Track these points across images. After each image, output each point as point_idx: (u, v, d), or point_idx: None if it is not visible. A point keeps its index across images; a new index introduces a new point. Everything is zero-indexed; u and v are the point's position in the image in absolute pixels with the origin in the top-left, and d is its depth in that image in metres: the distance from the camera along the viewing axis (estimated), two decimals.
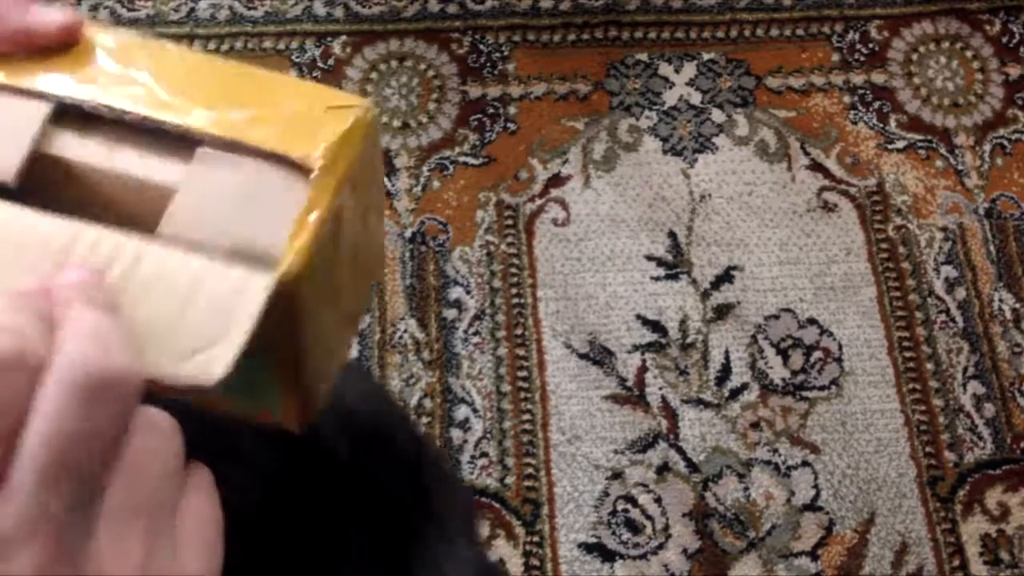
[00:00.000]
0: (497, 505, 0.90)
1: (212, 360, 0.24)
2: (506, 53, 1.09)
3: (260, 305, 0.25)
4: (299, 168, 0.27)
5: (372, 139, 0.29)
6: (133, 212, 0.28)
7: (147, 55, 0.30)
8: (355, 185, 0.29)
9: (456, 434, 0.92)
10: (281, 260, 0.26)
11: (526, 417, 0.93)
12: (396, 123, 1.05)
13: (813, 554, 0.89)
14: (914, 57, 1.11)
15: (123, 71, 0.29)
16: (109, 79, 0.29)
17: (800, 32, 1.12)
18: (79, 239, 0.26)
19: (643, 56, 1.09)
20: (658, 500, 0.91)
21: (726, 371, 0.95)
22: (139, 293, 0.25)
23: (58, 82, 0.29)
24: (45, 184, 0.28)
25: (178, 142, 0.28)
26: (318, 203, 0.27)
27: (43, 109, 0.29)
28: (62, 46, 0.29)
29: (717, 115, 1.07)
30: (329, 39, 1.09)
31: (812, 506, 0.91)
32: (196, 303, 0.25)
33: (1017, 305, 0.99)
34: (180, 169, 0.28)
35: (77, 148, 0.29)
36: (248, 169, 0.28)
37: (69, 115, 0.29)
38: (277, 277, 0.25)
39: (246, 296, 0.25)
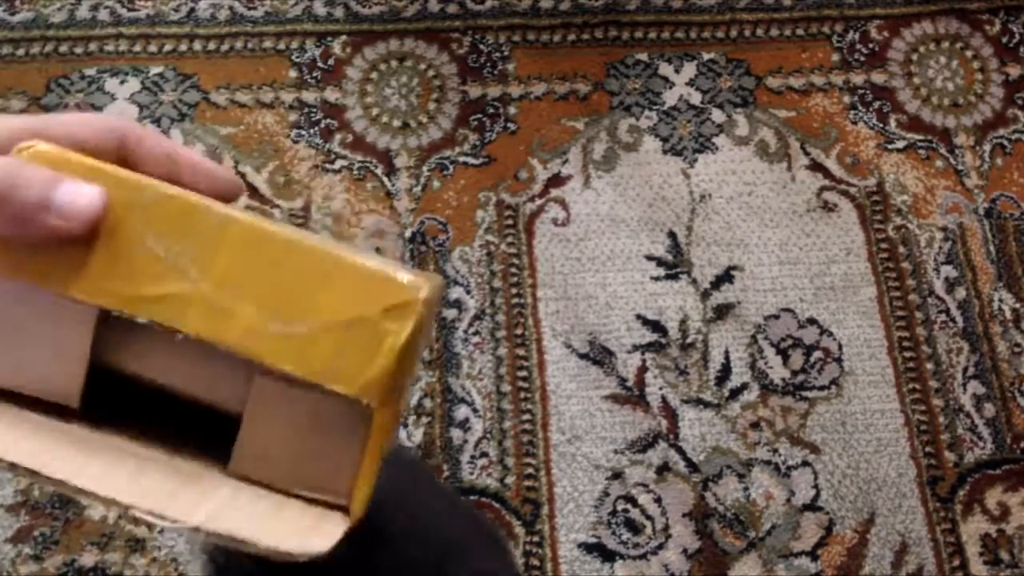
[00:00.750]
0: (497, 505, 0.90)
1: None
2: (506, 53, 1.09)
3: (331, 548, 0.26)
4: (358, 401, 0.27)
5: (431, 319, 0.29)
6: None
7: (196, 233, 0.27)
8: (411, 374, 0.29)
9: (456, 434, 0.92)
10: (349, 506, 0.27)
11: (526, 417, 0.93)
12: (396, 123, 1.05)
13: (813, 554, 0.89)
14: (914, 57, 1.11)
15: (169, 260, 0.27)
16: (152, 275, 0.27)
17: (800, 32, 1.12)
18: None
19: (643, 56, 1.09)
20: (658, 500, 0.91)
21: (726, 371, 0.95)
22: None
23: (100, 286, 0.27)
24: (105, 393, 0.28)
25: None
26: (379, 433, 0.27)
27: (89, 314, 0.27)
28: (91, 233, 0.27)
29: (717, 115, 1.07)
30: (329, 39, 1.09)
31: (812, 506, 0.91)
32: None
33: (1017, 305, 0.99)
34: (239, 394, 0.28)
35: (132, 361, 0.28)
36: (306, 404, 0.27)
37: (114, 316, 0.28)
38: (347, 526, 0.27)
39: (318, 538, 0.26)
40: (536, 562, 0.88)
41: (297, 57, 1.08)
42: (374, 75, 1.07)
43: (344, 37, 1.09)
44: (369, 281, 0.27)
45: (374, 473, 0.27)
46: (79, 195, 0.27)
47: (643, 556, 0.89)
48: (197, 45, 1.07)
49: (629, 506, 0.90)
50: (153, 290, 0.27)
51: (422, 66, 1.08)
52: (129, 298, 0.27)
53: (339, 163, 1.02)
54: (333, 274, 0.27)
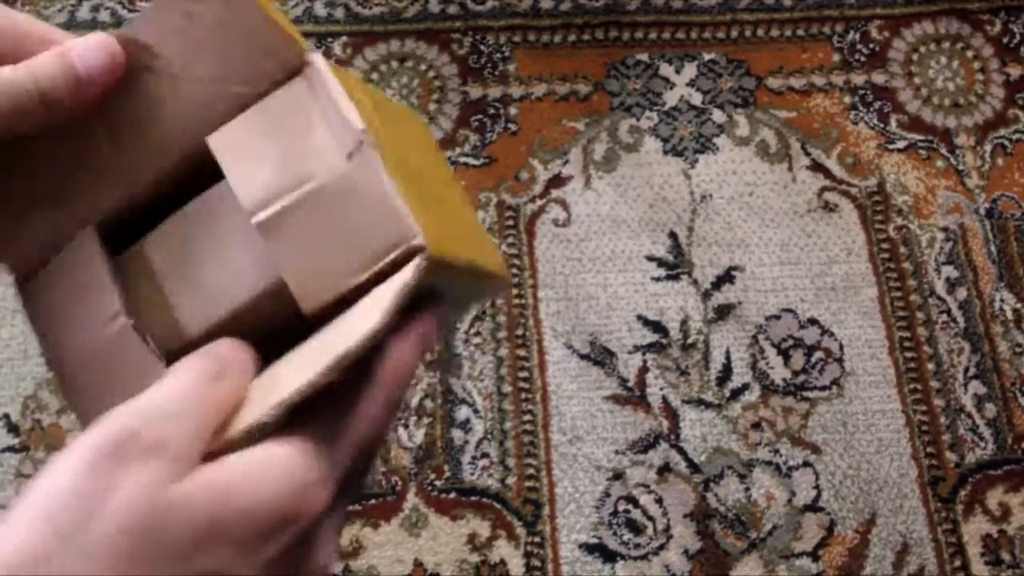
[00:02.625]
0: (498, 506, 0.90)
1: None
2: (507, 53, 1.09)
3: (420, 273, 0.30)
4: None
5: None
6: None
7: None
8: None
9: (457, 435, 0.92)
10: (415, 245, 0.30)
11: (527, 418, 0.93)
12: None
13: (814, 554, 0.89)
14: (914, 57, 1.11)
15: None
16: None
17: (800, 32, 1.12)
18: None
19: (643, 56, 1.09)
20: (659, 501, 0.91)
21: (727, 371, 0.95)
22: None
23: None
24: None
25: None
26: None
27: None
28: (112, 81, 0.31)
29: (718, 115, 1.07)
30: (329, 39, 1.09)
31: (813, 506, 0.91)
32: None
33: (1018, 305, 0.99)
34: None
35: None
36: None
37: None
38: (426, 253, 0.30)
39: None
40: (537, 563, 0.88)
41: None
42: (374, 76, 1.07)
43: (344, 38, 1.09)
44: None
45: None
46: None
47: (644, 557, 0.89)
48: None
49: (630, 507, 0.90)
50: None
51: (422, 67, 1.08)
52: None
53: None
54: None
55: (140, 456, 0.26)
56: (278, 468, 0.27)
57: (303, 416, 0.29)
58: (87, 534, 0.24)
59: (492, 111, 1.06)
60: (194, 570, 0.26)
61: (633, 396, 0.94)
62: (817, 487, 0.92)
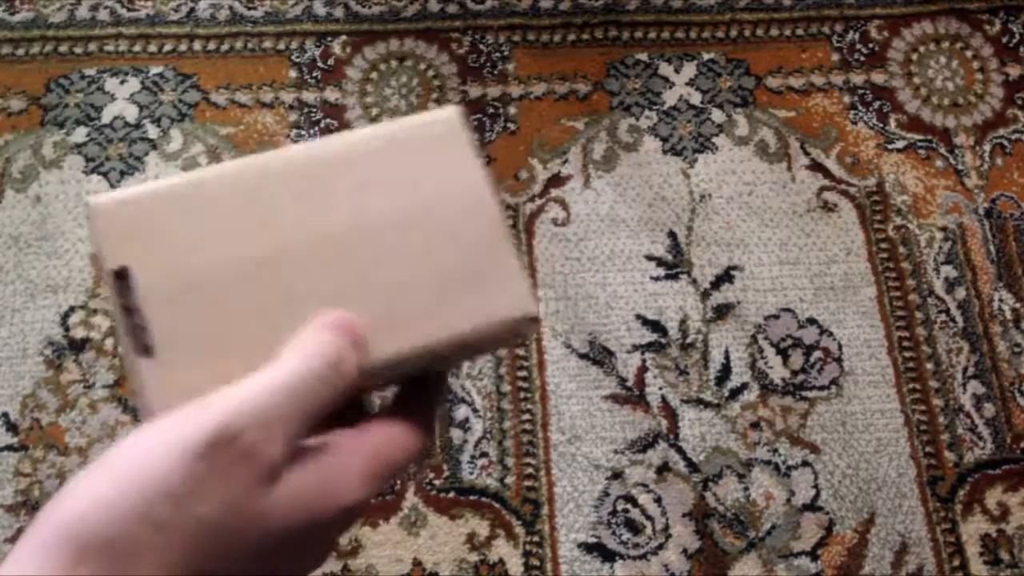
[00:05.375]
0: (497, 505, 0.90)
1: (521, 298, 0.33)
2: (506, 53, 1.09)
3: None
4: None
5: None
6: None
7: None
8: None
9: (456, 434, 0.92)
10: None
11: (526, 417, 0.93)
12: None
13: (813, 554, 0.89)
14: (914, 57, 1.11)
15: None
16: None
17: (800, 32, 1.12)
18: None
19: (643, 56, 1.09)
20: (658, 500, 0.91)
21: (726, 371, 0.95)
22: None
23: None
24: None
25: None
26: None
27: None
28: None
29: (717, 115, 1.07)
30: (329, 39, 1.09)
31: (812, 506, 0.91)
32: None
33: (1017, 305, 0.99)
34: None
35: None
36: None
37: None
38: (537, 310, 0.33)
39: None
40: (536, 562, 0.88)
41: (297, 57, 1.08)
42: (374, 75, 1.07)
43: (344, 37, 1.09)
44: None
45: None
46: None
47: (643, 556, 0.89)
48: (197, 45, 1.07)
49: (629, 506, 0.90)
50: None
51: (422, 66, 1.08)
52: None
53: None
54: None
55: (233, 462, 0.26)
56: (347, 485, 0.29)
57: (373, 430, 0.31)
58: (178, 530, 0.26)
59: (491, 110, 1.06)
60: (254, 570, 0.28)
61: (632, 395, 0.94)
62: (816, 486, 0.92)
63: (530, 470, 0.91)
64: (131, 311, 0.30)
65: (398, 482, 0.90)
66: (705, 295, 0.98)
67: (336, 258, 0.31)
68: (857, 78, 1.09)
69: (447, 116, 0.34)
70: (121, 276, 0.30)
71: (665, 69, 1.09)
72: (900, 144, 1.06)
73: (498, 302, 0.32)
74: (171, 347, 0.30)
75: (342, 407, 0.31)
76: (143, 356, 0.30)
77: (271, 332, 0.30)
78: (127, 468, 0.26)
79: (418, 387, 0.34)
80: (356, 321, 0.31)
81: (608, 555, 0.88)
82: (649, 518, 0.90)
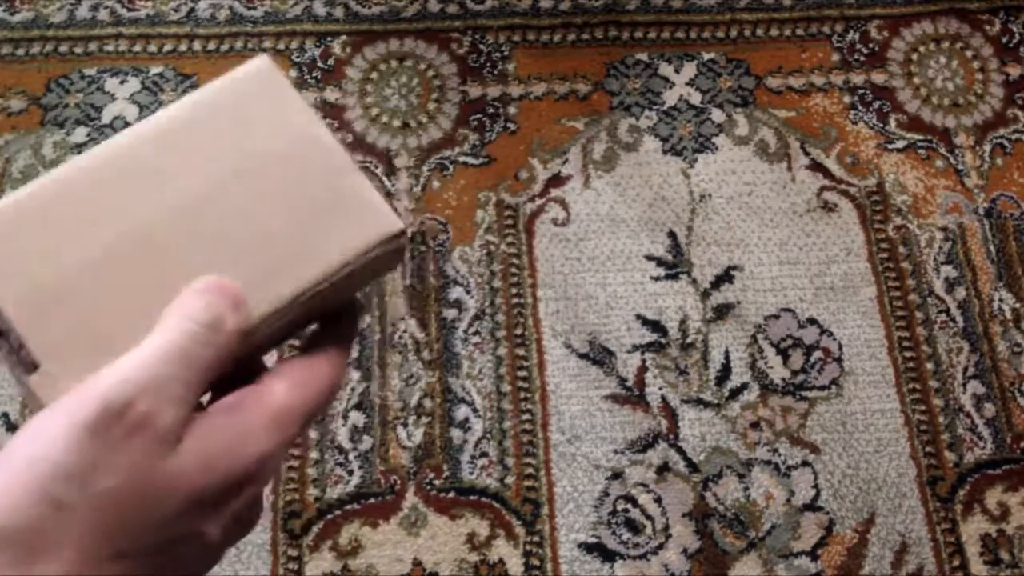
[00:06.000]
0: (497, 505, 0.90)
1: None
2: (506, 53, 1.09)
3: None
4: None
5: None
6: None
7: None
8: None
9: (456, 434, 0.92)
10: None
11: (526, 417, 0.93)
12: (396, 123, 1.05)
13: (813, 554, 0.89)
14: (914, 57, 1.11)
15: None
16: None
17: (800, 32, 1.12)
18: None
19: (643, 56, 1.09)
20: (658, 500, 0.91)
21: (726, 371, 0.95)
22: None
23: None
24: None
25: None
26: None
27: None
28: None
29: (717, 115, 1.07)
30: (329, 39, 1.09)
31: (812, 506, 0.91)
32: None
33: (1017, 305, 0.99)
34: None
35: None
36: None
37: None
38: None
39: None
40: (536, 562, 0.88)
41: (297, 57, 1.08)
42: (374, 75, 1.07)
43: (344, 37, 1.09)
44: None
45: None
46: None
47: (643, 556, 0.89)
48: (197, 45, 1.07)
49: (629, 506, 0.90)
50: None
51: (422, 66, 1.08)
52: None
53: None
54: None
55: (128, 432, 0.27)
56: (254, 438, 0.29)
57: (269, 383, 0.31)
58: (84, 508, 0.26)
59: (491, 110, 1.06)
60: (173, 534, 0.28)
61: (632, 395, 0.94)
62: (816, 486, 0.92)
63: (530, 470, 0.91)
64: (4, 333, 0.30)
65: (397, 481, 0.90)
66: (705, 295, 0.98)
67: (193, 227, 0.31)
68: (857, 78, 1.09)
69: (258, 65, 0.34)
70: None
71: (665, 69, 1.09)
72: (900, 144, 1.06)
73: (359, 227, 0.32)
74: (54, 357, 0.30)
75: (243, 369, 0.32)
76: (30, 374, 0.30)
77: (148, 315, 0.30)
78: (19, 456, 0.26)
79: (331, 321, 0.35)
80: (227, 282, 0.31)
81: (608, 555, 0.88)
82: (649, 518, 0.90)
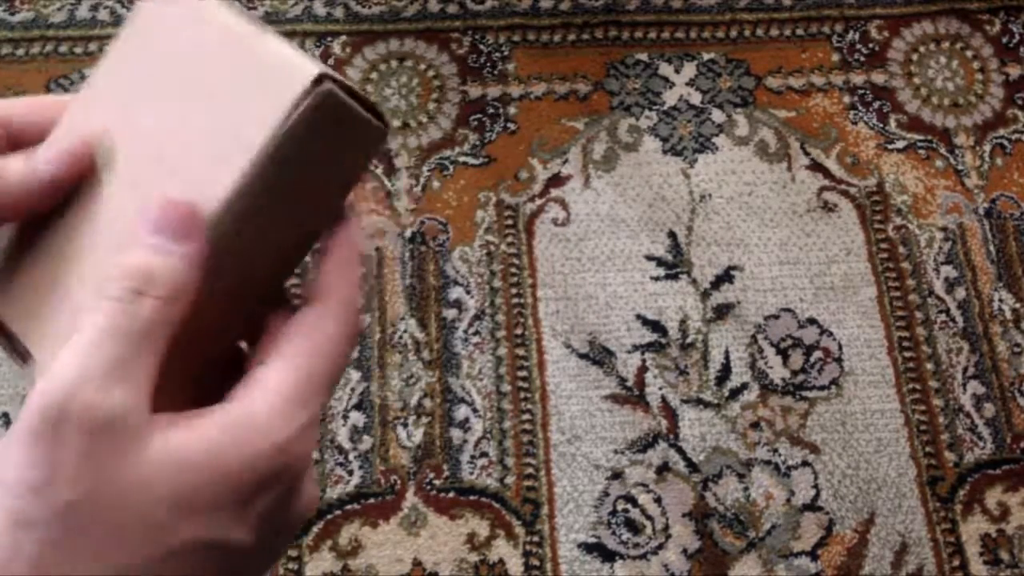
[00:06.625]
0: (497, 505, 0.90)
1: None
2: (506, 53, 1.09)
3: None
4: None
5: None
6: None
7: None
8: None
9: (456, 434, 0.92)
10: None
11: (526, 417, 0.93)
12: (396, 123, 1.05)
13: (813, 554, 0.89)
14: (914, 57, 1.11)
15: None
16: None
17: (800, 32, 1.12)
18: None
19: (643, 56, 1.09)
20: (658, 500, 0.91)
21: (726, 371, 0.95)
22: None
23: None
24: None
25: None
26: None
27: None
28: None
29: (717, 115, 1.07)
30: (329, 39, 1.09)
31: (812, 506, 0.91)
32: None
33: (1017, 305, 0.99)
34: None
35: None
36: None
37: None
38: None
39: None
40: (536, 562, 0.88)
41: None
42: (374, 75, 1.07)
43: (344, 37, 1.09)
44: None
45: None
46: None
47: (643, 556, 0.89)
48: None
49: (629, 506, 0.90)
50: None
51: (422, 66, 1.08)
52: None
53: None
54: None
55: (78, 434, 0.24)
56: (265, 426, 0.26)
57: (272, 360, 0.28)
58: (54, 522, 0.23)
59: (491, 110, 1.06)
60: (179, 540, 0.25)
61: (632, 395, 0.94)
62: (816, 486, 0.92)
63: (530, 470, 0.91)
64: (4, 327, 0.30)
65: (397, 481, 0.90)
66: (705, 295, 0.98)
67: (125, 168, 0.30)
68: (857, 78, 1.09)
69: None
70: None
71: (665, 69, 1.09)
72: (900, 144, 1.06)
73: (275, 91, 0.28)
74: (44, 347, 0.29)
75: (274, 305, 0.29)
76: (26, 363, 0.29)
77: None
78: None
79: (321, 266, 0.30)
80: (168, 206, 0.27)
81: (608, 555, 0.88)
82: (649, 518, 0.90)
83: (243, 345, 0.32)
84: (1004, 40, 1.12)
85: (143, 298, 0.26)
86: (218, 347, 0.31)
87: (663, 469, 0.92)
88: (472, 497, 0.90)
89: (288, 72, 0.28)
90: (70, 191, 0.30)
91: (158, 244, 0.27)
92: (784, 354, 0.96)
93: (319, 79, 0.27)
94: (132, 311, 0.26)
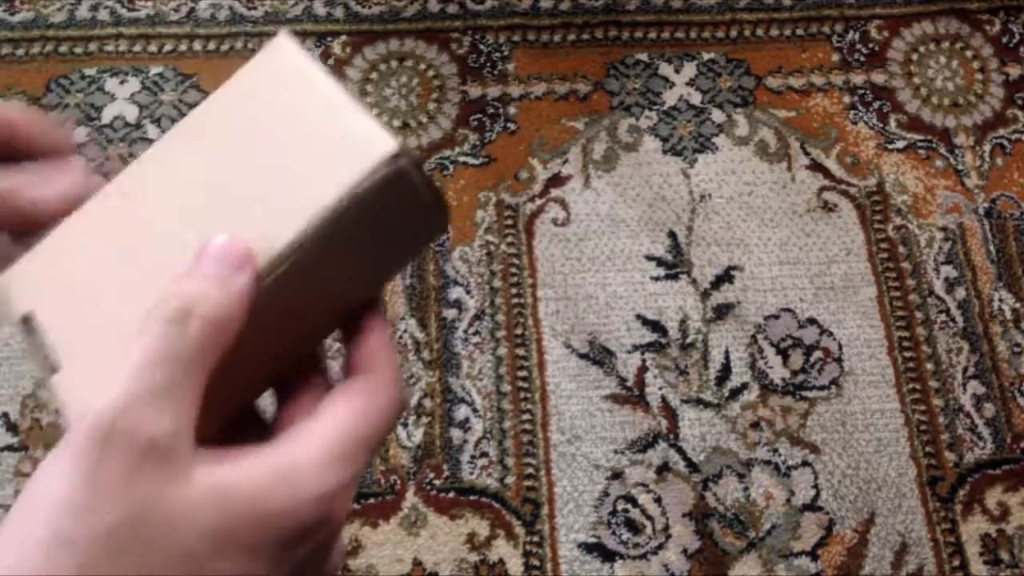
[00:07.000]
0: (497, 505, 0.90)
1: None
2: (506, 53, 1.09)
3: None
4: None
5: None
6: None
7: None
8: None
9: (456, 434, 0.92)
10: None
11: (526, 417, 0.93)
12: (396, 123, 1.05)
13: (813, 554, 0.89)
14: (914, 57, 1.11)
15: None
16: None
17: (800, 32, 1.12)
18: None
19: (643, 56, 1.09)
20: (658, 500, 0.91)
21: (726, 371, 0.95)
22: None
23: None
24: None
25: None
26: None
27: None
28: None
29: (717, 115, 1.07)
30: (329, 39, 1.09)
31: (812, 506, 0.91)
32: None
33: (1017, 305, 0.99)
34: None
35: None
36: None
37: None
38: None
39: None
40: (536, 562, 0.88)
41: None
42: (374, 75, 1.07)
43: (344, 37, 1.09)
44: None
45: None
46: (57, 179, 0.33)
47: (643, 556, 0.89)
48: (197, 45, 1.07)
49: (629, 506, 0.90)
50: None
51: (422, 66, 1.08)
52: None
53: None
54: None
55: (123, 458, 0.24)
56: (309, 477, 0.26)
57: (321, 417, 0.28)
58: (83, 544, 0.24)
59: (491, 110, 1.06)
60: (212, 572, 0.25)
61: (632, 395, 0.94)
62: (816, 486, 0.92)
63: (530, 470, 0.91)
64: (34, 334, 0.30)
65: (397, 481, 0.90)
66: (705, 295, 0.98)
67: (194, 204, 0.30)
68: (857, 78, 1.09)
69: (268, 45, 0.33)
70: (26, 321, 0.30)
71: (665, 69, 1.09)
72: (900, 144, 1.06)
73: (352, 158, 0.29)
74: (71, 359, 0.29)
75: (303, 373, 0.29)
76: (52, 375, 0.29)
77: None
78: (32, 494, 0.24)
79: (364, 342, 0.31)
80: (225, 244, 0.28)
81: (608, 555, 0.88)
82: (649, 518, 0.90)
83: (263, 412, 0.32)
84: (1004, 40, 1.12)
85: (191, 319, 0.26)
86: (244, 400, 0.31)
87: (663, 469, 0.92)
88: (472, 497, 0.90)
89: (370, 143, 0.29)
90: (124, 210, 0.31)
91: (211, 273, 0.27)
92: (784, 354, 0.96)
93: (397, 155, 0.29)
94: (180, 333, 0.26)
